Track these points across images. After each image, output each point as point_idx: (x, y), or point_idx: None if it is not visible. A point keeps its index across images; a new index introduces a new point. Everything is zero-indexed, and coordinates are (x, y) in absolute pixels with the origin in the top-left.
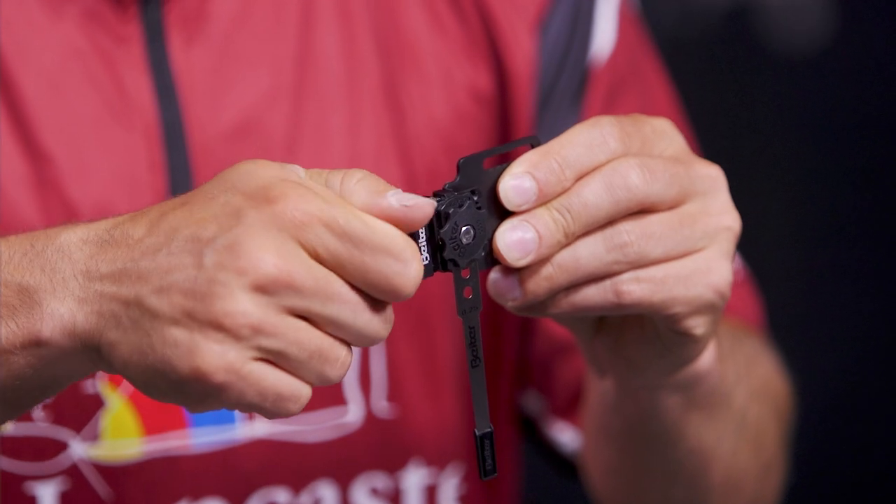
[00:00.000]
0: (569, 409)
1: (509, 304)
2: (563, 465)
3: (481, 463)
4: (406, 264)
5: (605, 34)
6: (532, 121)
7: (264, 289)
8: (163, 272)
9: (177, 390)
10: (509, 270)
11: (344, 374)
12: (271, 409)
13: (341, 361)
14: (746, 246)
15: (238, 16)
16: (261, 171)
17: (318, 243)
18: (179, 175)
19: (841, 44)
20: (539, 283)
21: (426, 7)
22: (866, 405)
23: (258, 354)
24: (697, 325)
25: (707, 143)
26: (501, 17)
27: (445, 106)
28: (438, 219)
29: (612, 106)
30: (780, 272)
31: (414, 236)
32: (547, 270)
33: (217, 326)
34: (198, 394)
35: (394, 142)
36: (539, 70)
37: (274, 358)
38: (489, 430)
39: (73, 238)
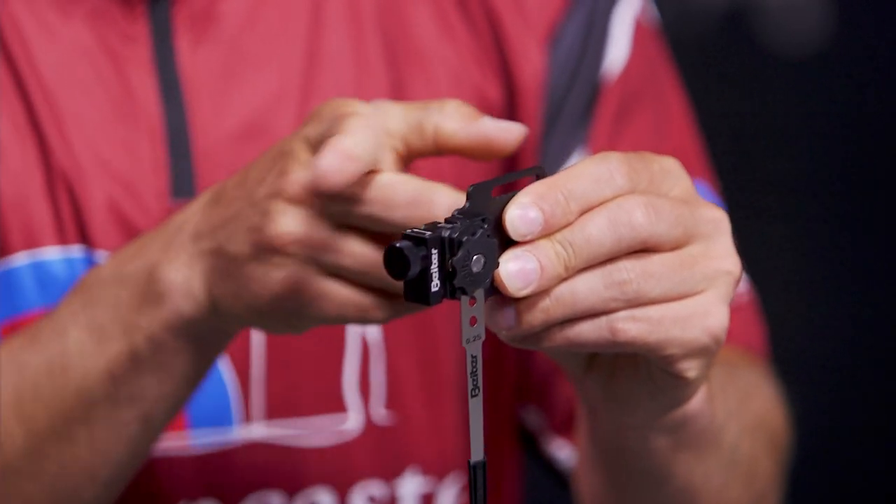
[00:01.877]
0: (567, 426)
1: (503, 334)
2: (563, 481)
3: (473, 493)
4: None
5: (618, 48)
6: (539, 135)
7: (303, 201)
8: (234, 216)
9: (279, 319)
10: (507, 300)
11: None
12: (357, 320)
13: None
14: (744, 247)
15: (247, 16)
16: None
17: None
18: (182, 177)
19: (839, 44)
20: (535, 315)
21: (436, 12)
22: (864, 407)
23: (321, 269)
24: (691, 368)
25: (704, 144)
26: (511, 29)
27: None
28: (451, 246)
29: (624, 121)
30: (777, 273)
31: (427, 262)
32: (544, 303)
33: (273, 250)
34: (293, 315)
35: None
36: (549, 84)
37: (337, 271)
38: (482, 459)
39: (197, 204)
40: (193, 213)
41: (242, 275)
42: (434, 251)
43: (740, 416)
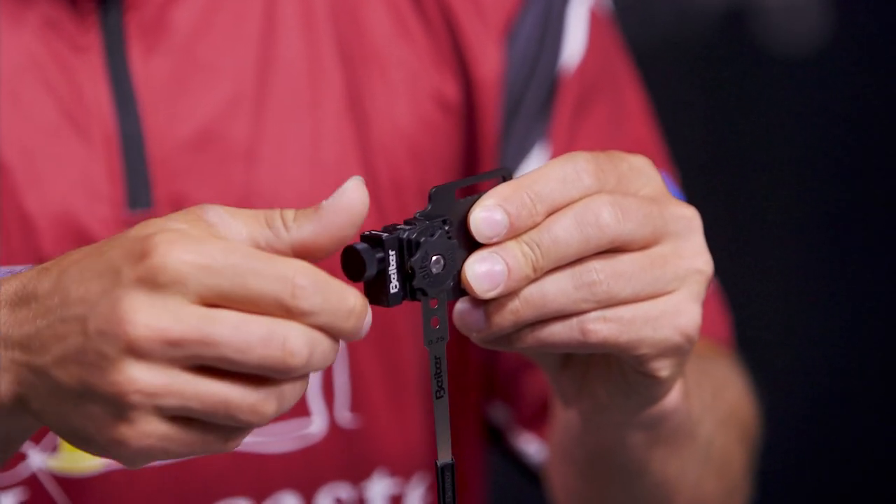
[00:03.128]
0: (535, 420)
1: (474, 336)
2: (530, 475)
3: (441, 495)
4: (300, 289)
5: (575, 41)
6: (499, 130)
7: (142, 351)
8: (59, 339)
9: (110, 454)
10: (476, 302)
11: (272, 415)
12: (214, 451)
13: (256, 407)
14: (743, 245)
15: (199, 25)
16: (142, 226)
17: (201, 288)
18: (138, 185)
19: (838, 44)
20: (505, 317)
21: (391, 14)
22: (857, 404)
23: (168, 414)
24: (663, 368)
25: (704, 144)
26: (467, 26)
27: (410, 114)
28: (409, 247)
29: (582, 114)
30: (776, 271)
31: (383, 264)
32: (514, 304)
33: (113, 397)
34: (130, 457)
35: (357, 150)
36: (506, 79)
37: (185, 414)
38: (450, 461)
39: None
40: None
41: (67, 405)
42: (392, 252)
43: (714, 409)
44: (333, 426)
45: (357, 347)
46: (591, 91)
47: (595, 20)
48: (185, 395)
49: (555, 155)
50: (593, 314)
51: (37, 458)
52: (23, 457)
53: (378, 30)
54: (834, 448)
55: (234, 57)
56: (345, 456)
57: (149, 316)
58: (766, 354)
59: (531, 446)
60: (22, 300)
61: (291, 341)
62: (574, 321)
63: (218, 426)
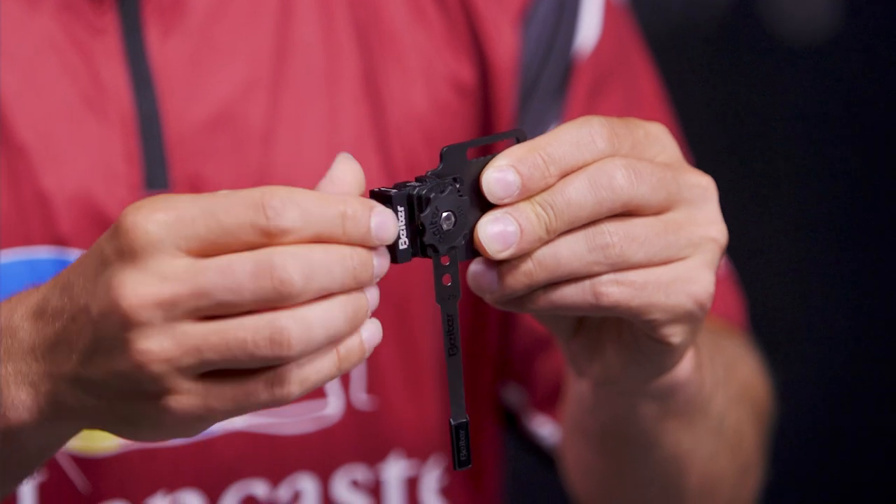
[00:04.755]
0: (549, 402)
1: (487, 297)
2: (544, 458)
3: (455, 453)
4: (271, 208)
5: (590, 26)
6: (514, 113)
7: (142, 321)
8: (76, 337)
9: (164, 430)
10: (490, 263)
11: (299, 343)
12: (258, 407)
13: (273, 337)
14: (751, 234)
15: (216, 6)
16: (124, 213)
17: (179, 241)
18: (155, 166)
19: (848, 32)
20: (518, 278)
21: None
22: (862, 402)
23: (195, 373)
24: (675, 334)
25: (713, 132)
26: (484, 9)
27: (426, 98)
28: (419, 202)
29: (597, 98)
30: (784, 258)
31: (392, 219)
32: (527, 266)
33: (137, 374)
34: (181, 426)
35: (373, 133)
36: (522, 62)
37: (209, 368)
38: (465, 420)
39: (19, 312)
40: (22, 322)
41: (105, 401)
42: (401, 209)
43: (727, 385)
44: (349, 408)
45: None
46: (606, 75)
47: (609, 6)
48: (199, 348)
49: None
50: (606, 277)
51: None
52: None
53: (394, 13)
54: (846, 435)
55: (250, 38)
56: (361, 438)
57: (135, 284)
58: (777, 338)
59: (545, 428)
60: (40, 309)
61: (279, 267)
62: (587, 283)
63: (252, 372)
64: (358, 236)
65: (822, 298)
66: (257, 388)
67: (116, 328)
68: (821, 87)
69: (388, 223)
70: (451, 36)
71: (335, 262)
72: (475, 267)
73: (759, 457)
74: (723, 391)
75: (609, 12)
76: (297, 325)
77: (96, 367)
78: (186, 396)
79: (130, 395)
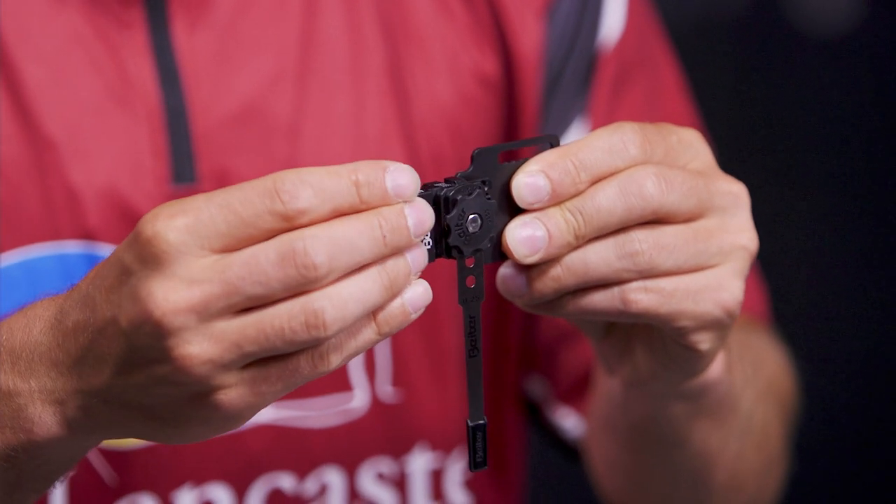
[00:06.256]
0: (573, 394)
1: (517, 301)
2: (567, 450)
3: (472, 454)
4: (284, 192)
5: (613, 19)
6: (539, 106)
7: (177, 327)
8: (105, 351)
9: (214, 426)
10: (519, 267)
11: (334, 322)
12: (304, 381)
13: (309, 320)
14: (776, 225)
15: (242, 0)
16: (142, 223)
17: (202, 241)
18: (182, 160)
19: (870, 24)
20: (546, 283)
21: None
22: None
23: (238, 366)
24: (703, 341)
25: (735, 126)
26: (508, 2)
27: (451, 90)
28: (446, 204)
29: (620, 91)
30: (807, 250)
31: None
32: (555, 271)
33: (183, 379)
34: (232, 419)
35: (398, 126)
36: (546, 55)
37: (252, 359)
38: (482, 422)
39: (38, 327)
40: (41, 334)
41: (143, 410)
42: None
43: (755, 382)
44: (375, 401)
45: None
46: (630, 68)
47: (633, 1)
48: (238, 343)
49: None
50: (635, 284)
51: None
52: None
53: (419, 6)
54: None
55: (276, 32)
56: (386, 430)
57: (165, 292)
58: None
59: (568, 421)
60: (60, 323)
61: (301, 252)
62: (615, 290)
63: (294, 352)
64: (377, 199)
65: (859, 293)
66: (300, 364)
67: (151, 338)
68: (843, 80)
69: (404, 178)
70: (475, 29)
71: (359, 234)
72: (505, 270)
73: (783, 450)
74: (751, 388)
75: (632, 5)
76: (331, 304)
77: (134, 377)
78: (235, 389)
79: (176, 399)
